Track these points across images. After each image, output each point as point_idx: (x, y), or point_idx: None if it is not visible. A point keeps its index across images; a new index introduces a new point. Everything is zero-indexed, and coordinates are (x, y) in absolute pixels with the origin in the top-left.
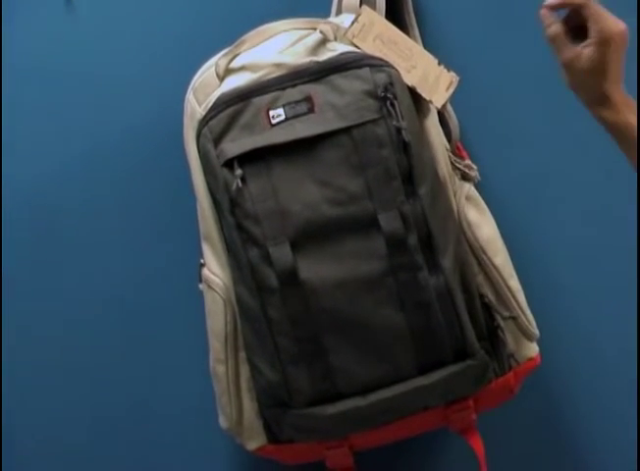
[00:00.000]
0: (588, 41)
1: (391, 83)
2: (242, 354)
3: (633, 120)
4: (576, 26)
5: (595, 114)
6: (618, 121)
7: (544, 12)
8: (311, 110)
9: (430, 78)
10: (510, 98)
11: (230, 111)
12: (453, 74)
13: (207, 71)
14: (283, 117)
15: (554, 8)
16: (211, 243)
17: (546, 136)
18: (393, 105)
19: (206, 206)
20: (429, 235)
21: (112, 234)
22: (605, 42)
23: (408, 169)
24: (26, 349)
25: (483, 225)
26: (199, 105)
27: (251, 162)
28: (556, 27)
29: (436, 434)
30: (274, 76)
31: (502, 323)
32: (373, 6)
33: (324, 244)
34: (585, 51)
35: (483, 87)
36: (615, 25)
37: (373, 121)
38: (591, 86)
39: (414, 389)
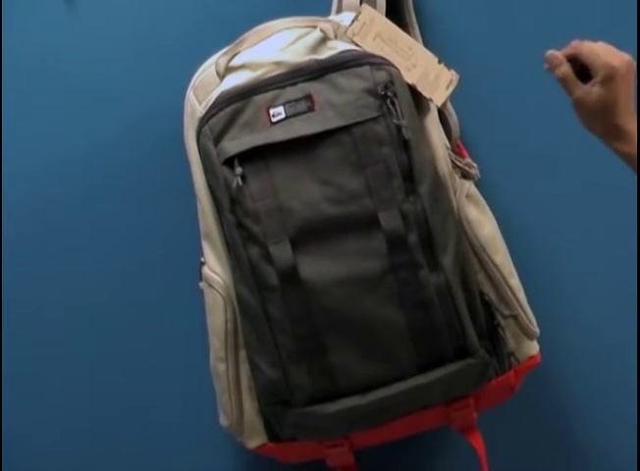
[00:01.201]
0: (594, 80)
1: (391, 82)
2: (243, 353)
3: None
4: (582, 66)
5: (612, 148)
6: (633, 151)
7: (550, 54)
8: (311, 108)
9: (430, 76)
10: (511, 96)
11: (230, 109)
12: (453, 72)
13: (207, 69)
14: (283, 115)
15: (552, 68)
16: (211, 242)
17: (546, 135)
18: (393, 103)
19: (206, 204)
20: (429, 234)
21: (112, 232)
22: (610, 78)
23: (409, 167)
24: (27, 344)
25: (483, 223)
26: (200, 103)
27: (251, 160)
28: (564, 68)
29: (437, 432)
30: (274, 74)
31: (502, 321)
32: (373, 4)
33: (324, 243)
34: (594, 89)
35: (483, 86)
36: (616, 58)
37: (373, 119)
38: (604, 122)
39: (414, 387)
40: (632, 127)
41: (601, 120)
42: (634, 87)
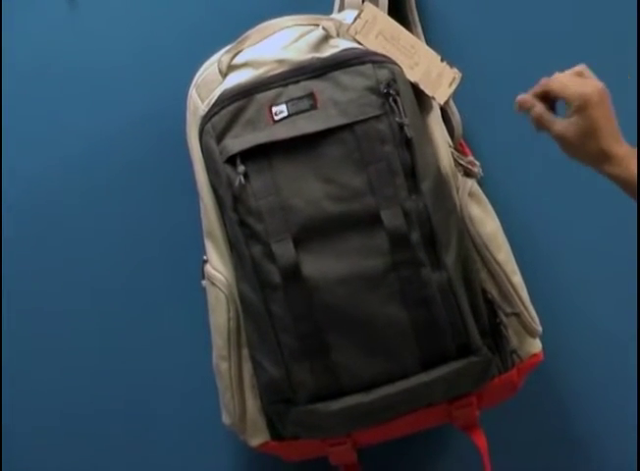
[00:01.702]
0: (569, 112)
1: (393, 80)
2: (245, 351)
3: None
4: (554, 101)
5: (602, 172)
6: (623, 174)
7: (520, 98)
8: (314, 106)
9: (433, 74)
10: (513, 94)
11: (232, 107)
12: (455, 70)
13: (210, 67)
14: (285, 113)
15: (525, 109)
16: (214, 240)
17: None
18: (395, 101)
19: (209, 203)
20: (432, 232)
21: (114, 231)
22: (583, 106)
23: (411, 165)
24: (28, 344)
25: (486, 221)
26: (202, 101)
27: (254, 158)
28: (538, 108)
29: (439, 430)
30: (276, 72)
31: (504, 319)
32: (376, 2)
33: (327, 241)
34: (571, 120)
35: (486, 84)
36: (587, 86)
37: (375, 117)
38: (589, 149)
39: (417, 385)
40: (618, 149)
41: (585, 148)
42: (613, 112)
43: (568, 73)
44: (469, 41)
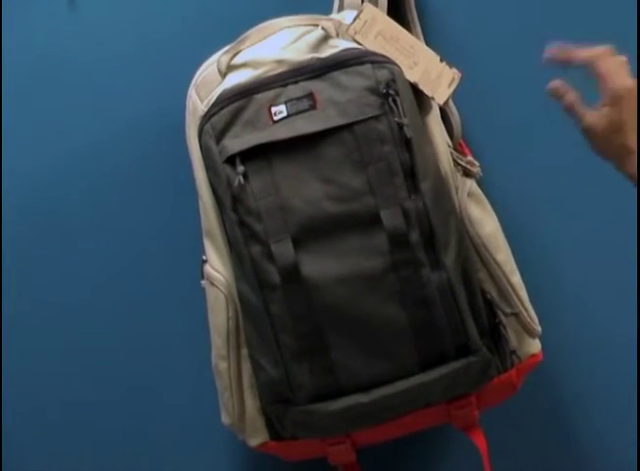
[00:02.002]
0: (602, 102)
1: (393, 80)
2: (245, 351)
3: None
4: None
5: (623, 170)
6: None
7: (553, 84)
8: (313, 107)
9: (432, 74)
10: (512, 94)
11: (232, 107)
12: (455, 70)
13: (209, 67)
14: (285, 113)
15: (557, 61)
16: (213, 240)
17: (548, 132)
18: (395, 101)
19: (208, 203)
20: (431, 232)
21: (113, 230)
22: (618, 100)
23: (410, 165)
24: (28, 343)
25: (485, 221)
26: (201, 101)
27: (253, 158)
28: (570, 97)
29: (438, 430)
30: (276, 72)
31: (504, 319)
32: (375, 3)
33: (326, 241)
34: (603, 112)
35: (485, 84)
36: (626, 81)
37: (375, 117)
38: (614, 144)
39: (416, 385)
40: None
41: (611, 142)
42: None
43: (617, 60)
44: (468, 41)
